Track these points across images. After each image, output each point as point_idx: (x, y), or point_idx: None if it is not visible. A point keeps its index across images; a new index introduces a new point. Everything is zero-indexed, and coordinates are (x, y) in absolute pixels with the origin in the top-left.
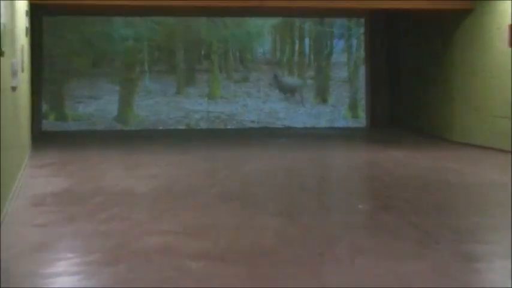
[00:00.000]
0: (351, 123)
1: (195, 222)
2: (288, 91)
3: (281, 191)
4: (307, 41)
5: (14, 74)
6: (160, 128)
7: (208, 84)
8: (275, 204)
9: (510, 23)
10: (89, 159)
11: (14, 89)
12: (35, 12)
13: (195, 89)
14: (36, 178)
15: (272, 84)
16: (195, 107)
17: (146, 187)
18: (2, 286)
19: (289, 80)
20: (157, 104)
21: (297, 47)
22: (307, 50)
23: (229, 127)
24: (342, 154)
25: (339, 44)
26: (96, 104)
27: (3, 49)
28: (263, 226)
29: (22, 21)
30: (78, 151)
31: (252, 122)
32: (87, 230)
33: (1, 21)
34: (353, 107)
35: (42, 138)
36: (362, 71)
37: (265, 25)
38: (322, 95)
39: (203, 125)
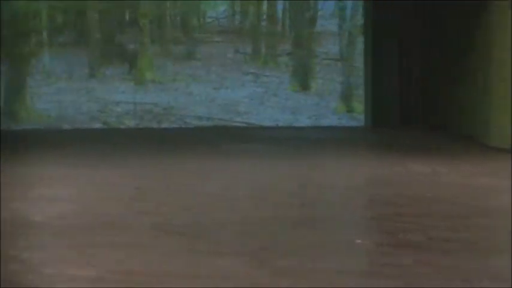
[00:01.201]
0: (345, 121)
1: (120, 267)
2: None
3: (247, 223)
4: (280, 0)
5: None
6: (66, 127)
7: (136, 62)
8: (238, 241)
9: None
10: None
11: None
12: None
13: (116, 69)
14: None
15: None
16: (116, 96)
17: (46, 215)
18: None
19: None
20: (61, 91)
21: (265, 8)
22: (280, 13)
23: (166, 126)
24: (335, 168)
25: (327, 5)
26: None
27: None
28: (221, 272)
29: None
30: None
31: (200, 118)
32: None
33: None
34: (347, 97)
35: None
36: (360, 44)
37: None
38: (302, 80)
39: (129, 123)
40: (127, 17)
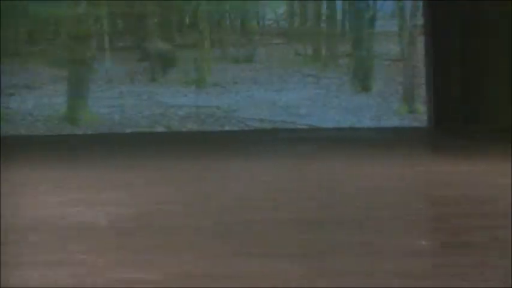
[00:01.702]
0: (407, 122)
1: (179, 270)
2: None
3: (304, 224)
4: (339, 1)
5: None
6: (128, 131)
7: (196, 66)
8: (294, 242)
9: None
10: (22, 177)
11: None
12: None
13: (177, 73)
14: None
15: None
16: (177, 100)
17: (107, 219)
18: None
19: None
20: (123, 96)
21: (324, 9)
22: (339, 13)
23: (227, 128)
24: (393, 169)
25: (387, 5)
26: (34, 96)
27: None
28: (276, 273)
29: None
30: (6, 166)
31: (261, 120)
32: (23, 280)
33: None
34: (409, 97)
35: None
36: (421, 44)
37: None
38: (362, 81)
39: (190, 126)
40: (187, 20)
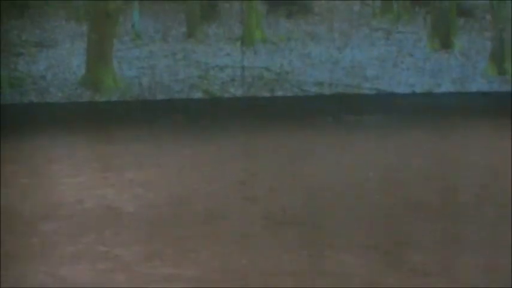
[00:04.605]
0: (496, 86)
1: (224, 263)
2: None
3: (373, 210)
4: None
5: None
6: (161, 97)
7: (242, 19)
8: (363, 231)
9: None
10: (37, 154)
11: None
12: None
13: (219, 28)
14: None
15: None
16: (219, 59)
17: (135, 203)
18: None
19: None
20: (154, 55)
21: None
22: None
23: (279, 94)
24: (480, 144)
25: None
26: (48, 56)
27: None
28: (344, 269)
29: None
30: (19, 140)
31: (320, 84)
32: (36, 276)
33: None
34: (498, 56)
35: None
36: None
37: None
38: (443, 36)
39: (235, 91)
40: None
